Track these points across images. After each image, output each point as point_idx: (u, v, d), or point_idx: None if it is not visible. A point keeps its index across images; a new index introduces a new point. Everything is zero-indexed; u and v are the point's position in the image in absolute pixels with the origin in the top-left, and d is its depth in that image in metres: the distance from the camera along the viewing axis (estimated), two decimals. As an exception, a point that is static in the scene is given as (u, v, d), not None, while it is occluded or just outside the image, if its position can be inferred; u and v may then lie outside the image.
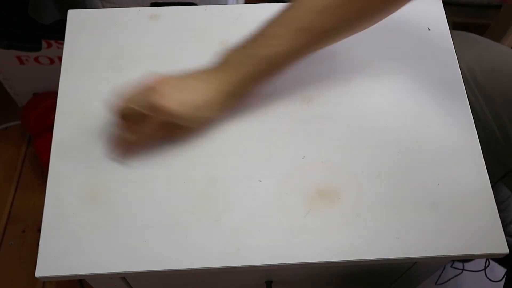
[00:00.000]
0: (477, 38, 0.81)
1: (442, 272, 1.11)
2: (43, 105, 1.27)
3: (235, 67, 0.57)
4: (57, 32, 1.08)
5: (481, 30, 1.33)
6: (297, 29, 0.55)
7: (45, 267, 0.54)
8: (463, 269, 1.10)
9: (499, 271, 1.06)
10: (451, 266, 1.12)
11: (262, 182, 0.59)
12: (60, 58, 1.19)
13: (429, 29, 0.70)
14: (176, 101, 0.55)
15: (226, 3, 1.04)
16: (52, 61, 1.21)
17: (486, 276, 1.04)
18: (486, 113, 0.73)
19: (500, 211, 0.58)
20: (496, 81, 0.74)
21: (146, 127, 0.57)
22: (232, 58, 0.58)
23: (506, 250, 0.56)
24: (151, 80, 0.56)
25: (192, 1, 1.03)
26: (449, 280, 1.12)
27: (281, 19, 0.57)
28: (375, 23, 0.59)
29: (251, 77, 0.58)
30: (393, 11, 0.59)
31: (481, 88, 0.74)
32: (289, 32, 0.56)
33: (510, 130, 0.73)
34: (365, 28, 0.59)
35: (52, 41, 1.15)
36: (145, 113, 0.55)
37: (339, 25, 0.56)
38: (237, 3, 1.14)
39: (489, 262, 1.04)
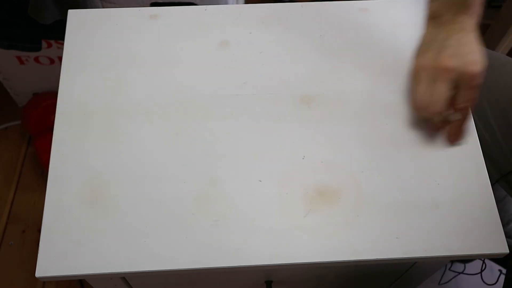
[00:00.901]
0: None
1: (444, 273, 1.11)
2: (43, 105, 1.27)
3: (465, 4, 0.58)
4: (57, 32, 1.08)
5: (481, 30, 1.33)
6: None
7: (45, 267, 0.54)
8: (463, 272, 1.10)
9: (495, 274, 1.06)
10: (449, 269, 1.12)
11: (262, 182, 0.59)
12: (60, 58, 1.19)
13: (429, 29, 0.70)
14: (477, 60, 0.57)
15: (226, 3, 1.04)
16: (52, 61, 1.21)
17: (482, 280, 1.04)
18: (476, 121, 0.73)
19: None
20: (484, 89, 0.74)
21: (465, 100, 0.58)
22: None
23: (506, 250, 0.56)
24: (430, 65, 0.58)
25: (192, 1, 1.03)
26: (449, 281, 1.12)
27: None
28: None
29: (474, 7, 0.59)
30: None
31: None
32: None
33: (500, 137, 0.73)
34: None
35: (52, 41, 1.15)
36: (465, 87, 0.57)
37: None
38: (237, 3, 1.14)
39: (485, 265, 1.04)
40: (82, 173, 0.59)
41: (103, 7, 1.04)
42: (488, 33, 1.28)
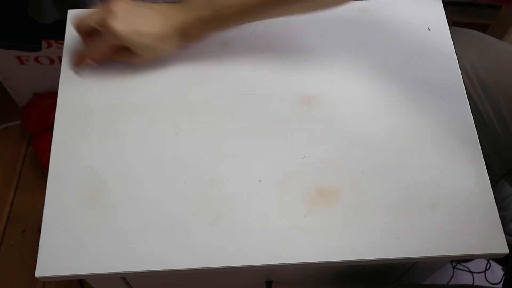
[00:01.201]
0: (479, 35, 0.81)
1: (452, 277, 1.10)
2: (43, 105, 1.27)
3: (194, 8, 0.60)
4: (57, 32, 1.08)
5: (481, 30, 1.32)
6: None
7: (45, 267, 0.54)
8: (472, 272, 1.10)
9: (499, 273, 1.06)
10: (453, 267, 1.12)
11: (262, 182, 0.59)
12: (60, 58, 1.18)
13: (429, 29, 0.70)
14: (127, 25, 0.59)
15: (226, 3, 1.04)
16: (52, 61, 1.21)
17: (486, 279, 1.03)
18: (488, 111, 0.73)
19: (501, 209, 0.58)
20: (499, 80, 0.74)
21: (99, 43, 0.62)
22: (192, 0, 0.61)
23: (506, 250, 0.56)
24: (112, 1, 0.60)
25: (192, 1, 1.03)
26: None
27: None
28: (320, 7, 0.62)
29: (205, 22, 0.61)
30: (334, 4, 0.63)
31: (484, 86, 0.74)
32: None
33: None
34: (311, 9, 0.62)
35: (52, 41, 1.15)
36: (98, 29, 0.59)
37: None
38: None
39: (490, 264, 1.04)
40: (82, 173, 0.59)
41: (103, 7, 1.03)
42: (488, 33, 1.28)
